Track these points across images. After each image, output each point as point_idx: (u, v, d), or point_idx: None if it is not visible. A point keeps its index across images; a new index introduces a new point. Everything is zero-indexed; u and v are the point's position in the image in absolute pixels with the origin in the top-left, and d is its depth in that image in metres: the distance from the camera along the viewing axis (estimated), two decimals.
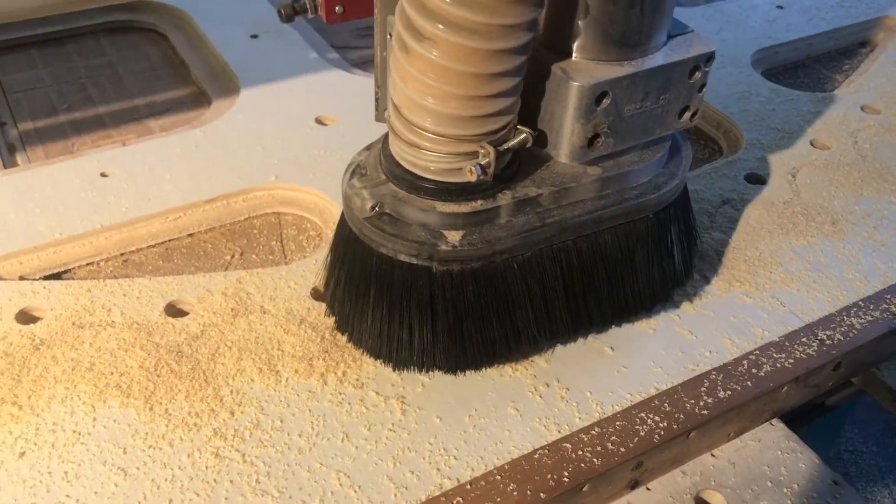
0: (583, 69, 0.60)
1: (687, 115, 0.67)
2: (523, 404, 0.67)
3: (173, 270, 0.80)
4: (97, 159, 0.90)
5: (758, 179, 0.92)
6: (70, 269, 0.80)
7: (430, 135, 0.59)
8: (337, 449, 0.63)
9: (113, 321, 0.71)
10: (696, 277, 0.79)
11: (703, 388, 0.68)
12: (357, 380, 0.68)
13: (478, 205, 0.62)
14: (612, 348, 0.72)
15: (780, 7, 1.29)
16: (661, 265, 0.72)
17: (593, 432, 0.65)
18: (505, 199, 0.63)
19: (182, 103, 1.07)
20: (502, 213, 0.63)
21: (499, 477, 0.61)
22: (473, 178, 0.59)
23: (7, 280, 0.76)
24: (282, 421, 0.64)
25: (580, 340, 0.72)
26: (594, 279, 0.68)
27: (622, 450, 0.63)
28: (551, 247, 0.65)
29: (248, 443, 0.63)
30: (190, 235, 0.84)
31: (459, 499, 0.60)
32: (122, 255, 0.81)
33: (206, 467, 0.61)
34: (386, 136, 0.64)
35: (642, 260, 0.70)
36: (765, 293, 0.78)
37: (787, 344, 0.73)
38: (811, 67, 1.21)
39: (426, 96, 0.57)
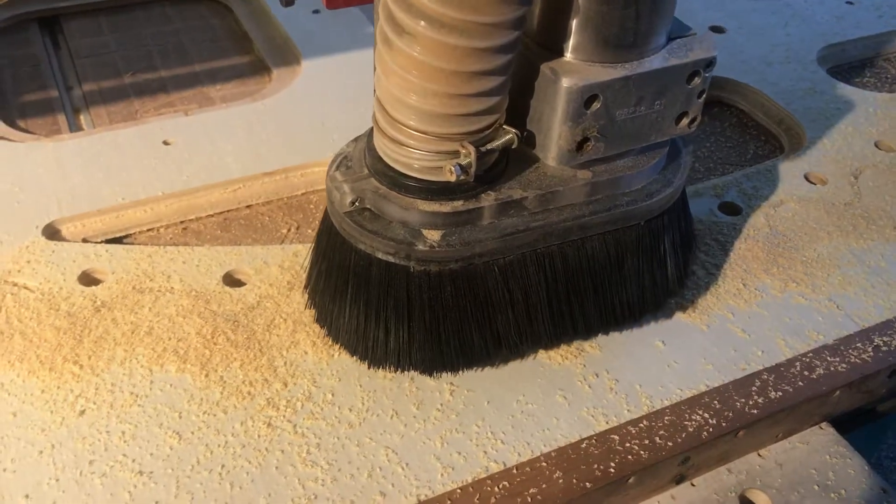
0: (573, 70, 0.58)
1: (685, 121, 0.64)
2: (572, 393, 0.67)
3: (231, 241, 0.81)
4: (160, 127, 0.91)
5: (818, 179, 0.91)
6: (131, 234, 0.81)
7: (410, 131, 0.58)
8: (386, 425, 0.64)
9: (172, 287, 0.73)
10: (751, 275, 0.78)
11: (753, 388, 0.68)
12: None
13: (459, 205, 0.60)
14: (663, 342, 0.71)
15: (849, 2, 1.26)
16: (653, 275, 0.69)
17: (641, 425, 0.65)
18: (488, 200, 0.61)
19: (244, 75, 1.08)
20: (485, 214, 0.61)
21: (545, 464, 0.62)
22: (453, 179, 0.58)
23: (71, 241, 0.78)
24: (333, 394, 0.65)
25: (632, 332, 0.72)
26: (580, 286, 0.66)
27: (670, 444, 0.63)
28: (535, 251, 0.63)
29: (299, 414, 0.64)
30: (248, 207, 0.85)
31: (505, 483, 0.60)
32: (181, 222, 0.83)
33: (259, 436, 0.62)
34: (371, 130, 0.63)
35: (632, 268, 0.68)
36: (821, 295, 0.77)
37: (841, 348, 0.72)
38: (879, 66, 1.18)
39: (407, 92, 0.56)
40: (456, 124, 0.57)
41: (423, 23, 0.52)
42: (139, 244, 0.80)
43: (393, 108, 0.58)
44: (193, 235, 0.82)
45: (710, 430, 0.64)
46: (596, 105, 0.59)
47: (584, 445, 0.63)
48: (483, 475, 0.61)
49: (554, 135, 0.60)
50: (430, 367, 0.66)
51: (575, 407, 0.66)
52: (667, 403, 0.66)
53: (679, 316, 0.74)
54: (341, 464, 0.61)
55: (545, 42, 0.60)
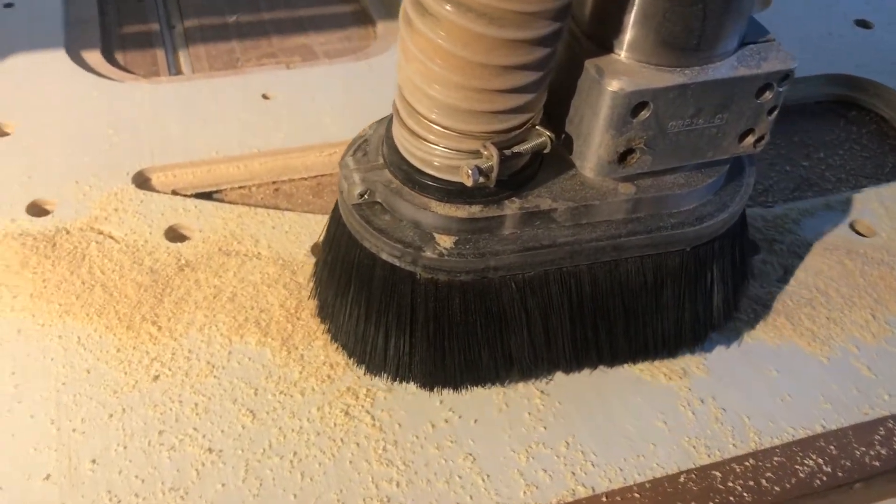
0: (622, 71, 0.50)
1: (750, 139, 0.56)
2: (673, 418, 0.61)
3: (322, 208, 0.78)
4: (261, 79, 0.88)
5: None
6: (221, 191, 0.78)
7: (430, 124, 0.51)
8: (469, 430, 0.59)
9: (259, 253, 0.70)
10: (882, 306, 0.70)
11: (877, 436, 0.61)
12: None
13: (477, 211, 0.54)
14: (777, 371, 0.65)
15: None
16: (695, 306, 0.62)
17: (747, 463, 0.59)
18: (512, 207, 0.55)
19: (347, 25, 1.04)
20: (507, 223, 0.55)
21: (637, 495, 0.57)
22: (469, 183, 0.51)
23: (160, 193, 0.75)
24: (412, 393, 0.61)
25: (744, 356, 0.66)
26: (609, 312, 0.59)
27: (777, 489, 0.58)
28: (560, 269, 0.57)
29: (378, 405, 0.60)
30: None
31: None
32: (273, 183, 0.80)
33: (335, 424, 0.59)
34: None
35: (671, 298, 0.61)
36: None
37: None
38: None
39: (427, 81, 0.49)
40: (480, 122, 0.50)
41: (447, 5, 0.46)
42: (229, 202, 0.77)
43: (412, 97, 0.51)
44: (285, 198, 0.78)
45: (824, 478, 0.58)
46: (645, 113, 0.51)
47: (682, 479, 0.58)
48: (569, 499, 0.56)
49: (594, 142, 0.52)
50: (431, 381, 0.60)
51: (675, 434, 0.60)
52: (777, 442, 0.60)
53: (796, 343, 0.67)
54: (418, 466, 0.57)
55: (595, 35, 0.52)
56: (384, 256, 0.55)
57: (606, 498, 0.56)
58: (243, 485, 0.55)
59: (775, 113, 0.55)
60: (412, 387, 0.61)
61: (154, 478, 0.55)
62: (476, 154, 0.51)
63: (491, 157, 0.50)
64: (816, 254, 0.74)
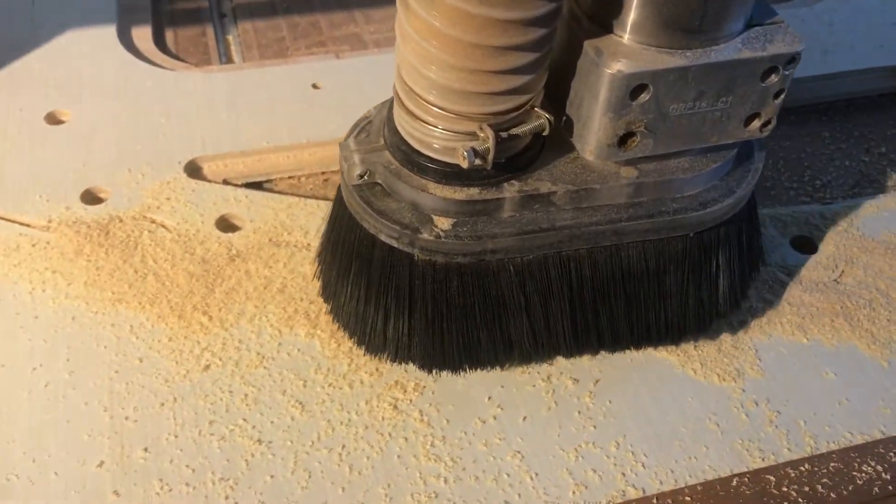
0: (621, 52, 0.49)
1: (756, 123, 0.55)
2: (726, 420, 0.60)
3: None
4: (310, 69, 0.87)
5: None
6: (272, 180, 0.78)
7: (427, 105, 0.51)
8: (517, 427, 0.59)
9: (309, 244, 0.70)
10: None
11: None
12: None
13: (476, 193, 0.54)
14: (835, 374, 0.63)
15: None
16: (699, 293, 0.61)
17: (802, 468, 0.58)
18: (511, 190, 0.54)
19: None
20: (506, 206, 0.54)
21: (688, 498, 0.56)
22: (465, 165, 0.51)
23: (212, 182, 0.75)
24: (461, 385, 0.61)
25: (800, 356, 0.64)
26: (610, 297, 0.59)
27: (833, 496, 0.56)
28: (560, 253, 0.56)
29: (426, 399, 0.60)
30: None
31: None
32: (322, 173, 0.79)
33: (383, 418, 0.59)
34: None
35: (674, 284, 0.60)
36: None
37: None
38: None
39: (423, 62, 0.49)
40: (476, 103, 0.50)
41: None
42: (279, 192, 0.77)
43: (409, 77, 0.51)
44: (334, 188, 0.78)
45: (882, 485, 0.57)
46: (644, 96, 0.50)
47: (734, 483, 0.57)
48: (619, 500, 0.55)
49: (593, 125, 0.51)
50: (431, 363, 0.60)
51: (728, 437, 0.59)
52: (834, 447, 0.59)
53: (856, 345, 0.65)
54: (466, 462, 0.57)
55: (596, 15, 0.51)
56: (382, 238, 0.55)
57: (657, 500, 0.55)
58: (292, 476, 0.55)
59: (782, 97, 0.54)
60: (460, 381, 0.61)
61: (204, 467, 0.56)
62: (471, 136, 0.51)
63: (487, 139, 0.50)
64: (877, 253, 0.72)
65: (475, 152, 0.50)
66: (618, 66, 0.49)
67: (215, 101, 0.83)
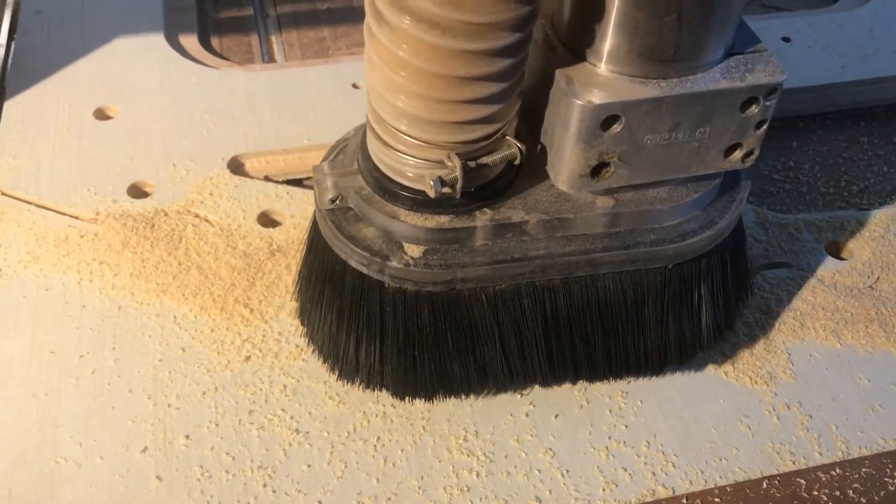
0: (592, 82, 0.48)
1: (738, 153, 0.53)
2: (758, 422, 0.60)
3: None
4: (351, 68, 0.89)
5: None
6: (311, 178, 0.80)
7: (395, 132, 0.50)
8: (549, 424, 0.60)
9: None
10: None
11: None
12: None
13: (446, 221, 0.53)
14: (868, 380, 0.64)
15: None
16: (680, 325, 0.60)
17: (833, 473, 0.58)
18: (483, 219, 0.53)
19: None
20: (478, 235, 0.53)
21: (718, 499, 0.56)
22: (432, 194, 0.50)
23: (254, 179, 0.77)
24: None
25: (833, 361, 0.64)
26: (586, 328, 0.58)
27: (864, 501, 0.56)
28: (533, 283, 0.55)
29: (458, 401, 0.61)
30: None
31: None
32: None
33: (418, 412, 0.60)
34: None
35: (654, 315, 0.58)
36: None
37: None
38: None
39: (389, 89, 0.48)
40: (444, 132, 0.49)
41: (402, 15, 0.44)
42: None
43: (378, 105, 0.50)
44: None
45: None
46: (616, 127, 0.49)
47: (764, 486, 0.57)
48: (648, 499, 0.56)
49: (565, 155, 0.50)
50: (403, 390, 0.59)
51: (759, 439, 0.60)
52: (866, 453, 0.59)
53: (890, 351, 0.65)
54: (497, 458, 0.58)
55: (570, 43, 0.50)
56: (353, 264, 0.55)
57: (687, 500, 0.56)
58: (328, 466, 0.57)
59: (764, 127, 0.52)
60: None
61: (244, 455, 0.57)
62: (442, 164, 0.50)
63: (454, 169, 0.49)
64: None
65: (442, 181, 0.49)
66: (588, 97, 0.48)
67: (258, 99, 0.84)
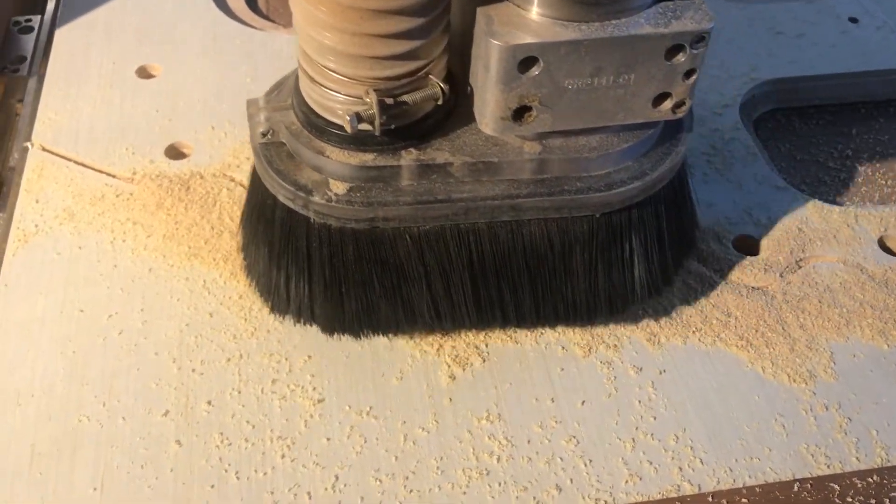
0: (510, 22, 0.47)
1: (667, 103, 0.52)
2: (793, 422, 0.58)
3: None
4: None
5: None
6: None
7: (319, 66, 0.50)
8: (575, 411, 0.58)
9: None
10: None
11: None
12: (614, 344, 0.62)
13: (370, 159, 0.53)
14: None
15: None
16: (610, 275, 0.59)
17: (870, 480, 0.55)
18: (408, 159, 0.53)
19: None
20: (403, 174, 0.53)
21: (746, 500, 0.54)
22: (349, 129, 0.50)
23: None
24: (520, 363, 0.61)
25: (878, 361, 0.61)
26: (513, 273, 0.57)
27: None
28: (458, 226, 0.55)
29: (485, 376, 0.60)
30: None
31: None
32: None
33: (441, 391, 0.59)
34: None
35: (581, 264, 0.58)
36: None
37: None
38: None
39: (308, 21, 0.48)
40: (363, 67, 0.49)
41: None
42: None
43: (301, 37, 0.50)
44: None
45: None
46: (535, 70, 0.48)
47: (796, 489, 0.55)
48: (673, 495, 0.54)
49: (487, 97, 0.50)
50: (331, 326, 0.60)
51: (793, 440, 0.57)
52: None
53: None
54: (519, 442, 0.57)
55: None
56: (281, 198, 0.55)
57: (712, 498, 0.54)
58: (347, 441, 0.56)
59: (694, 77, 0.51)
60: (519, 361, 0.61)
61: (264, 425, 0.57)
62: (361, 101, 0.50)
63: (371, 104, 0.49)
64: None
65: (359, 117, 0.49)
66: (504, 38, 0.47)
67: None
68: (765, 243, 0.69)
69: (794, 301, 0.65)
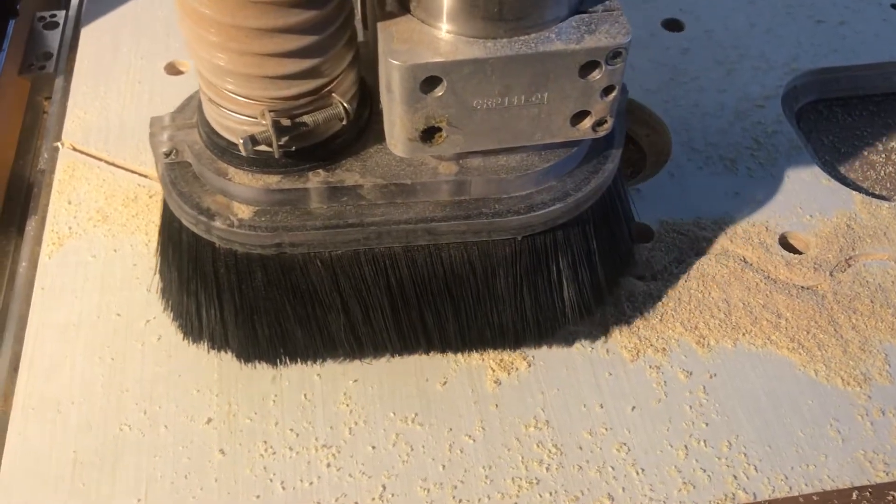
0: (415, 40, 0.44)
1: (587, 122, 0.49)
2: (849, 427, 0.57)
3: None
4: None
5: None
6: None
7: (214, 84, 0.47)
8: (625, 417, 0.57)
9: None
10: None
11: None
12: (663, 347, 0.61)
13: (274, 182, 0.50)
14: None
15: None
16: (537, 298, 0.56)
17: None
18: (315, 181, 0.50)
19: None
20: (311, 197, 0.50)
21: None
22: (243, 152, 0.47)
23: None
24: (567, 370, 0.59)
25: None
26: (434, 298, 0.55)
27: None
28: (372, 250, 0.52)
29: (531, 381, 0.59)
30: None
31: None
32: None
33: (487, 395, 0.58)
34: None
35: (506, 288, 0.55)
36: None
37: None
38: None
39: (195, 39, 0.45)
40: (257, 87, 0.46)
41: None
42: None
43: (191, 52, 0.47)
44: None
45: None
46: (439, 90, 0.45)
47: (854, 497, 0.53)
48: (728, 503, 0.53)
49: (393, 118, 0.47)
50: (246, 355, 0.57)
51: (850, 446, 0.56)
52: None
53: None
54: (569, 450, 0.56)
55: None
56: (184, 221, 0.52)
57: None
58: (393, 448, 0.55)
59: (613, 94, 0.48)
60: (566, 366, 0.59)
61: (308, 433, 0.56)
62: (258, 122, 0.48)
63: (266, 126, 0.46)
64: None
65: (254, 139, 0.47)
66: (403, 57, 0.44)
67: None
68: (813, 241, 0.67)
69: (846, 301, 0.63)
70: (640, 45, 0.84)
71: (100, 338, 0.60)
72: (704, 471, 0.55)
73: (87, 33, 0.84)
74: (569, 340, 0.61)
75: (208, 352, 0.58)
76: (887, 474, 0.55)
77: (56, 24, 0.87)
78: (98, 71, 0.80)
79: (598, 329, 0.61)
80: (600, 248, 0.58)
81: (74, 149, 0.73)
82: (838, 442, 0.56)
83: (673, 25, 0.87)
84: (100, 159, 0.72)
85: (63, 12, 0.89)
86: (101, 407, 0.57)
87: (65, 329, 0.61)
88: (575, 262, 0.56)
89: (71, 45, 0.84)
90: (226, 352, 0.58)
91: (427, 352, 0.59)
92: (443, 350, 0.59)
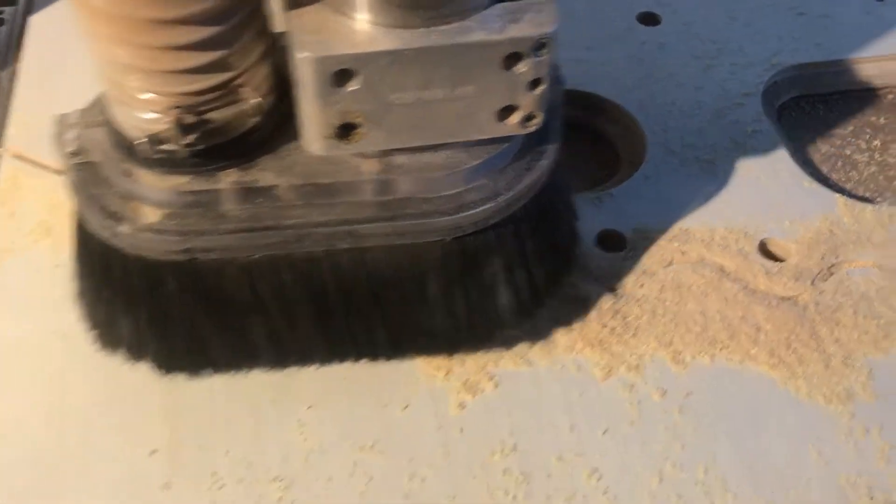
0: (326, 30, 0.42)
1: (514, 117, 0.46)
2: (831, 448, 0.54)
3: None
4: None
5: None
6: None
7: (111, 78, 0.44)
8: (596, 441, 0.54)
9: None
10: None
11: None
12: (636, 364, 0.58)
13: (183, 183, 0.47)
14: None
15: None
16: (470, 301, 0.54)
17: None
18: (227, 182, 0.47)
19: None
20: (223, 199, 0.47)
21: None
22: (144, 152, 0.45)
23: None
24: (536, 389, 0.56)
25: None
26: (360, 304, 0.52)
27: None
28: (291, 255, 0.49)
29: (494, 403, 0.56)
30: None
31: None
32: None
33: (448, 422, 0.55)
34: None
35: (437, 291, 0.53)
36: None
37: None
38: None
39: (86, 30, 0.43)
40: (155, 81, 0.43)
41: None
42: None
43: (90, 49, 0.44)
44: None
45: None
46: (353, 84, 0.43)
47: None
48: None
49: (307, 113, 0.44)
50: (165, 365, 0.54)
51: (832, 469, 0.53)
52: None
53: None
54: (537, 479, 0.52)
55: None
56: (90, 226, 0.49)
57: None
58: (351, 479, 0.52)
59: (542, 87, 0.45)
60: (532, 386, 0.56)
61: (259, 463, 0.52)
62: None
63: (169, 123, 0.44)
64: None
65: (157, 139, 0.44)
66: (312, 48, 0.41)
67: None
68: (794, 247, 0.64)
69: (828, 312, 0.61)
70: (614, 40, 0.80)
71: (39, 361, 0.57)
72: (680, 498, 0.52)
73: (34, 27, 0.80)
74: (509, 344, 0.58)
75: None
76: (871, 499, 0.52)
77: (1, 21, 0.83)
78: (45, 71, 0.76)
79: (565, 344, 0.58)
80: (537, 248, 0.55)
81: (17, 156, 0.69)
82: (821, 465, 0.53)
83: (649, 19, 0.83)
84: (46, 167, 0.69)
85: (10, 8, 0.84)
86: (37, 435, 0.53)
87: (4, 352, 0.57)
88: (510, 263, 0.54)
89: (17, 44, 0.80)
90: (144, 361, 0.55)
91: (357, 360, 0.57)
92: (374, 357, 0.57)
